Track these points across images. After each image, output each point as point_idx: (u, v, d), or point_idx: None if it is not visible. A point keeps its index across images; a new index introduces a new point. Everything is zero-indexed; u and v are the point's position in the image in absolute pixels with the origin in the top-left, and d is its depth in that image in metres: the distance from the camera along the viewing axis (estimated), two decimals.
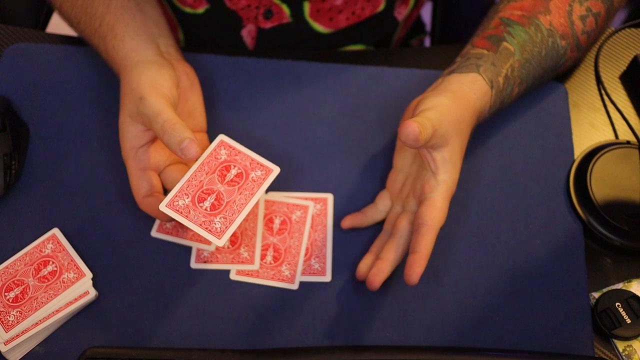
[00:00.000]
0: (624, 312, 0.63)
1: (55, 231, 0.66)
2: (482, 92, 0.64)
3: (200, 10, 0.84)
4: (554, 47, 0.68)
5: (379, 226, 0.68)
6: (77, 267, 0.63)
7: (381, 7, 0.84)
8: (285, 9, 0.81)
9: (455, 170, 0.62)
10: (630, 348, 0.63)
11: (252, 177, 0.60)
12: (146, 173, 0.64)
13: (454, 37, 1.02)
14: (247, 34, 0.85)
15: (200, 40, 0.89)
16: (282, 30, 0.83)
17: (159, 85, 0.62)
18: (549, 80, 0.73)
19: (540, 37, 0.67)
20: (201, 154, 0.61)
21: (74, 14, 0.71)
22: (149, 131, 0.63)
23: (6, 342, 0.60)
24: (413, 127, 0.56)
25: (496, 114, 0.69)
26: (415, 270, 0.58)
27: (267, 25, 0.82)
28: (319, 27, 0.83)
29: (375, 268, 0.62)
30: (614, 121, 0.76)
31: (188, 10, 0.84)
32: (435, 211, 0.60)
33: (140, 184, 0.63)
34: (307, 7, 0.80)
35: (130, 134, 0.63)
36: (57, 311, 0.62)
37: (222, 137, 0.62)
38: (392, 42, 0.94)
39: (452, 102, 0.61)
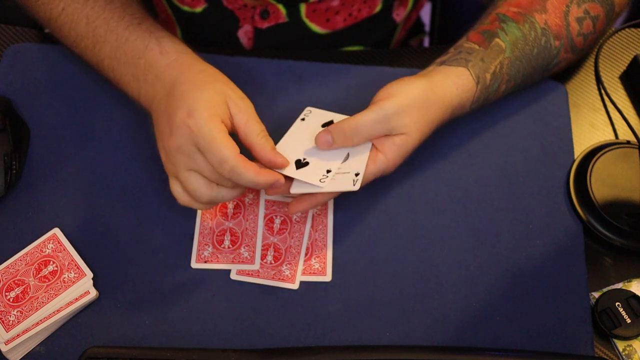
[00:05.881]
0: (624, 311, 0.63)
1: (56, 231, 0.66)
2: (465, 87, 0.64)
3: (199, 9, 0.83)
4: (547, 46, 0.68)
5: (379, 226, 0.68)
6: (77, 267, 0.63)
7: (378, 8, 0.84)
8: (282, 9, 0.81)
9: (398, 157, 0.63)
10: (630, 348, 0.63)
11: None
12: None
13: (453, 37, 1.02)
14: (244, 34, 0.85)
15: (198, 40, 0.89)
16: (279, 31, 0.83)
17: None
18: (540, 79, 0.73)
19: (534, 35, 0.67)
20: None
21: (85, 13, 0.67)
22: (229, 119, 0.60)
23: (7, 342, 0.60)
24: (327, 139, 0.61)
25: (480, 108, 0.69)
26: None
27: (264, 25, 0.82)
28: (316, 28, 0.83)
29: None
30: (614, 121, 0.76)
31: (186, 8, 0.84)
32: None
33: (232, 144, 0.57)
34: (303, 7, 0.80)
35: (218, 108, 0.59)
36: (58, 311, 0.62)
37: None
38: (392, 44, 0.94)
39: (422, 92, 0.62)
